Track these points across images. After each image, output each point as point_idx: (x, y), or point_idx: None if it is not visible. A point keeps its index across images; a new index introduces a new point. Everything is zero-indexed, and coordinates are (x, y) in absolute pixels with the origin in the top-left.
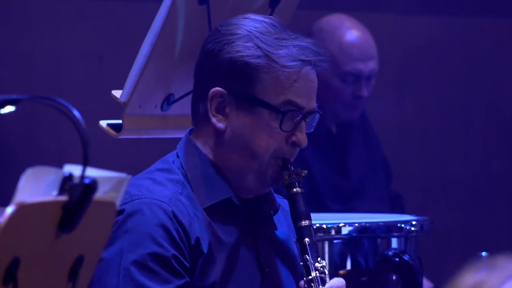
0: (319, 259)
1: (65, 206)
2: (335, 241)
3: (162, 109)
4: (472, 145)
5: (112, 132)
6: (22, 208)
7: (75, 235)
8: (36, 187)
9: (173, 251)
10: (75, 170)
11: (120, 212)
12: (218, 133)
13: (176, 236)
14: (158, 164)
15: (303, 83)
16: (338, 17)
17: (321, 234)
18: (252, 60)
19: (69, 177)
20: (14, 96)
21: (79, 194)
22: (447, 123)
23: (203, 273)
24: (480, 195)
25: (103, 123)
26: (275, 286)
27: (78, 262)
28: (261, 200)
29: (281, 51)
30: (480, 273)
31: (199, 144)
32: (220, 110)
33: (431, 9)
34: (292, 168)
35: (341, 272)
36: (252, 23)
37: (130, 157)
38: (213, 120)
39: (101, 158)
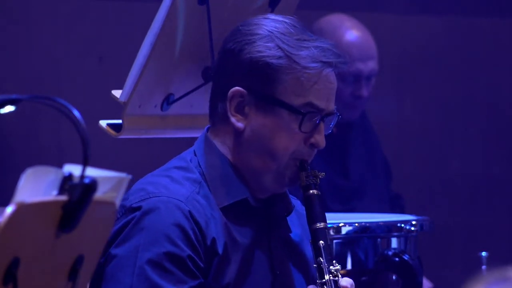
0: (333, 262)
1: (65, 206)
2: (335, 241)
3: (162, 109)
4: (472, 145)
5: (112, 132)
6: (22, 208)
7: (75, 235)
8: (36, 187)
9: (188, 252)
10: (75, 170)
11: (137, 209)
12: (237, 133)
13: (192, 236)
14: (175, 162)
15: (323, 85)
16: (338, 17)
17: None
18: (273, 61)
19: (69, 177)
20: (14, 96)
21: (79, 194)
22: (447, 123)
23: (218, 274)
24: (480, 195)
25: (103, 123)
26: (286, 286)
27: (78, 262)
28: (277, 200)
29: (302, 52)
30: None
31: (218, 144)
32: (239, 110)
33: (431, 9)
34: (310, 170)
35: (341, 272)
36: (273, 23)
37: (130, 157)
38: (232, 119)
39: (101, 158)
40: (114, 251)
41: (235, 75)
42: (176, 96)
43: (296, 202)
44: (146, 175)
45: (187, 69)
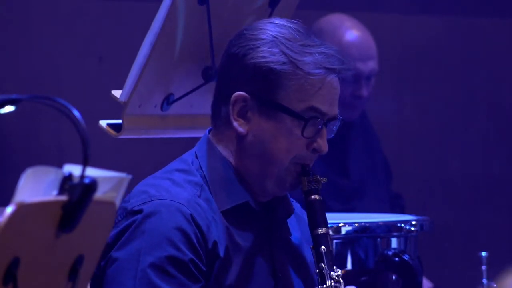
0: (334, 267)
1: (65, 206)
2: (335, 241)
3: (162, 109)
4: (472, 145)
5: (112, 132)
6: (22, 208)
7: (75, 235)
8: (36, 187)
9: (190, 255)
10: (75, 170)
11: (138, 212)
12: (239, 137)
13: (194, 239)
14: (176, 164)
15: (326, 91)
16: (338, 17)
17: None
18: (277, 66)
19: (69, 177)
20: (14, 96)
21: (79, 194)
22: (447, 122)
23: (219, 277)
24: (480, 195)
25: (103, 123)
26: None
27: (78, 262)
28: (278, 203)
29: (306, 58)
30: None
31: (220, 147)
32: (242, 115)
33: (431, 9)
34: (312, 175)
35: (342, 271)
36: (277, 28)
37: (130, 157)
38: (235, 124)
39: (101, 158)
40: (115, 254)
41: (239, 79)
42: (176, 96)
43: (296, 205)
44: (147, 177)
45: (187, 69)
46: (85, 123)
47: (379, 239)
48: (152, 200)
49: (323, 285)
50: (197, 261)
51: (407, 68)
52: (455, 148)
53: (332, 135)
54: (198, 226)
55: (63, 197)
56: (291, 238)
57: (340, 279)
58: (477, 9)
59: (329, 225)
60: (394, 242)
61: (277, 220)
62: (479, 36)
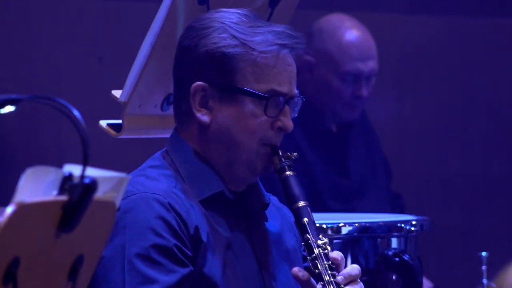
0: (320, 236)
1: (65, 206)
2: (335, 241)
3: (162, 109)
4: (472, 145)
5: (112, 132)
6: (22, 208)
7: (75, 235)
8: (36, 187)
9: (174, 241)
10: (75, 170)
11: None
12: (204, 127)
13: (176, 226)
14: (149, 162)
15: (282, 68)
16: (338, 17)
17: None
18: (230, 50)
19: (69, 177)
20: (14, 96)
21: (79, 194)
22: (447, 122)
23: (205, 262)
24: (480, 195)
25: (103, 123)
26: (272, 275)
27: (78, 262)
28: (252, 194)
29: (257, 38)
30: None
31: (187, 140)
32: (203, 104)
33: (431, 9)
34: (282, 153)
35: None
36: (225, 14)
37: (130, 157)
38: (198, 115)
39: (101, 158)
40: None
41: (194, 70)
42: None
43: (273, 198)
44: None
45: None
46: (85, 123)
47: (379, 239)
48: (128, 196)
49: (311, 255)
50: (181, 246)
51: (407, 68)
52: (455, 148)
53: (296, 115)
54: (177, 213)
55: (63, 197)
56: (270, 226)
57: (327, 246)
58: (477, 9)
59: (329, 225)
60: (394, 242)
61: (253, 209)
62: (479, 36)
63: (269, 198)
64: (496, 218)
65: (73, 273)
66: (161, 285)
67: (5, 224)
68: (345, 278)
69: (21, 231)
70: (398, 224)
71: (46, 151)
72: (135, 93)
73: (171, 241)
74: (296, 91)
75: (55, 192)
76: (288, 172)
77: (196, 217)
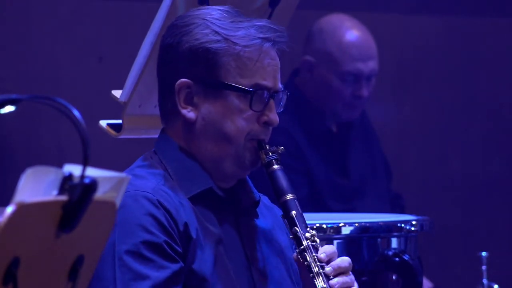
0: (308, 228)
1: (65, 206)
2: (335, 241)
3: None
4: (472, 145)
5: (112, 132)
6: (22, 208)
7: (75, 235)
8: (36, 187)
9: (164, 237)
10: (75, 170)
11: None
12: (190, 124)
13: (165, 222)
14: (137, 162)
15: (265, 62)
16: (338, 17)
17: (321, 234)
18: (212, 45)
19: (69, 177)
20: (14, 96)
21: (79, 194)
22: (447, 122)
23: (194, 258)
24: (480, 195)
25: (103, 123)
26: (261, 271)
27: (78, 262)
28: (242, 190)
29: (239, 33)
30: None
31: (174, 138)
32: (188, 101)
33: (431, 9)
34: (268, 148)
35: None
36: (206, 11)
37: (130, 157)
38: (183, 111)
39: (101, 158)
40: None
41: (178, 68)
42: None
43: (264, 198)
44: None
45: None
46: (85, 123)
47: (379, 239)
48: None
49: (299, 247)
50: (171, 242)
51: (407, 68)
52: (455, 148)
53: (281, 109)
54: (166, 210)
55: (63, 197)
56: (260, 223)
57: (316, 238)
58: (477, 9)
59: (329, 225)
60: (394, 242)
61: (243, 205)
62: (479, 36)
63: (259, 196)
64: (496, 218)
65: (73, 273)
66: (152, 281)
67: (5, 224)
68: (334, 269)
69: (21, 231)
70: (398, 224)
71: (46, 151)
72: (135, 93)
73: (161, 237)
74: (280, 86)
75: (55, 192)
76: (275, 166)
77: (185, 213)
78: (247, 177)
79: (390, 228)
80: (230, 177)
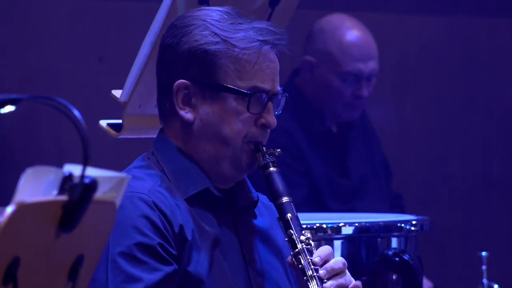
0: (303, 232)
1: (65, 206)
2: (335, 241)
3: None
4: (472, 145)
5: (112, 132)
6: (22, 208)
7: (75, 235)
8: (36, 186)
9: (158, 240)
10: (75, 170)
11: None
12: (187, 125)
13: (160, 224)
14: (135, 163)
15: (264, 65)
16: (338, 17)
17: (321, 234)
18: (211, 47)
19: (69, 177)
20: (14, 96)
21: (79, 194)
22: (447, 122)
23: (190, 260)
24: (480, 195)
25: (103, 123)
26: (258, 272)
27: (78, 262)
28: (239, 191)
29: (238, 35)
30: None
31: (172, 140)
32: (186, 102)
33: (431, 9)
34: (265, 150)
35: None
36: (206, 12)
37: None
38: (181, 112)
39: (101, 158)
40: None
41: (177, 68)
42: None
43: (263, 197)
44: None
45: None
46: (85, 123)
47: (379, 239)
48: None
49: (294, 249)
50: (165, 244)
51: (407, 68)
52: (455, 148)
53: (280, 112)
54: (162, 211)
55: (63, 197)
56: (258, 222)
57: (311, 241)
58: (477, 9)
59: (329, 225)
60: (394, 242)
61: (241, 206)
62: (479, 36)
63: (257, 196)
64: (496, 218)
65: (73, 273)
66: (144, 284)
67: (5, 224)
68: (328, 272)
69: (21, 231)
70: (398, 224)
71: (46, 151)
72: (135, 93)
73: (155, 239)
74: (279, 88)
75: (55, 192)
76: (271, 168)
77: (181, 215)
78: (245, 176)
79: (390, 228)
80: (227, 178)
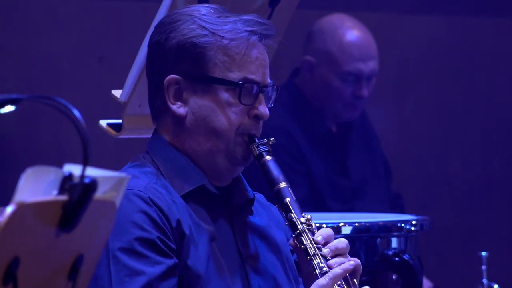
0: (303, 214)
1: (65, 205)
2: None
3: None
4: (472, 145)
5: (112, 131)
6: (22, 208)
7: (75, 234)
8: (36, 186)
9: (157, 234)
10: (75, 169)
11: None
12: (180, 120)
13: (158, 219)
14: (130, 163)
15: (253, 56)
16: (338, 17)
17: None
18: (200, 40)
19: (69, 176)
20: (14, 96)
21: (79, 193)
22: (447, 122)
23: (188, 254)
24: (481, 195)
25: (103, 123)
26: (255, 268)
27: (78, 262)
28: (235, 188)
29: (226, 27)
30: None
31: (166, 137)
32: (178, 97)
33: (432, 9)
34: (259, 140)
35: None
36: (193, 8)
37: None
38: (173, 107)
39: (101, 158)
40: None
41: (166, 64)
42: None
43: (260, 196)
44: None
45: None
46: (85, 123)
47: (379, 239)
48: None
49: (295, 231)
50: (164, 238)
51: (407, 68)
52: (456, 148)
53: (272, 104)
54: (158, 207)
55: (63, 197)
56: (256, 221)
57: (311, 222)
58: (478, 9)
59: (329, 225)
60: (394, 242)
61: (237, 203)
62: (479, 36)
63: (253, 194)
64: (497, 218)
65: (73, 273)
66: (148, 277)
67: (5, 224)
68: (332, 250)
69: (21, 231)
70: (398, 224)
71: (46, 151)
72: (135, 93)
73: (154, 233)
74: (269, 81)
75: (55, 192)
76: (267, 157)
77: (178, 211)
78: (241, 175)
79: (390, 228)
80: (223, 173)
